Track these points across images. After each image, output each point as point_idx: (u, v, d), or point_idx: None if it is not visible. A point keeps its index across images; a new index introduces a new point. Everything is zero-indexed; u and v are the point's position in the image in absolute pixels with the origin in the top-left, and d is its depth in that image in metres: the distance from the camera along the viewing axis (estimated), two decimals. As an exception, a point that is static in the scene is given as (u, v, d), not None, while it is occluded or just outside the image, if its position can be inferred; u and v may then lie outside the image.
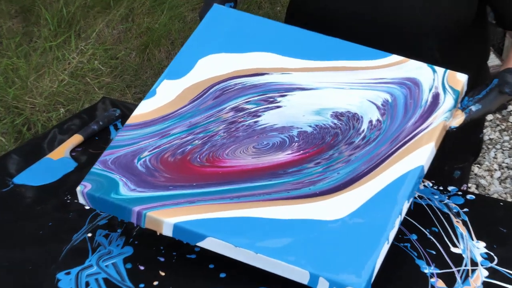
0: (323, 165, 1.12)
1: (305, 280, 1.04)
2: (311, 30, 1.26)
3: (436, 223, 1.22)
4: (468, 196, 1.27)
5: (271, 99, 1.20)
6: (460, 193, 1.28)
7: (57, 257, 1.16)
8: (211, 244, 1.07)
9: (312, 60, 1.22)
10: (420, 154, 1.11)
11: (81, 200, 1.14)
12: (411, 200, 1.10)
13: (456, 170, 1.49)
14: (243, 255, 1.06)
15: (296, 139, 1.15)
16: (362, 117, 1.16)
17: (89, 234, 1.20)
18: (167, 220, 1.08)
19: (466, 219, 1.23)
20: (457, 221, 1.22)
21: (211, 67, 1.23)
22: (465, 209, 1.25)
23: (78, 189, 1.13)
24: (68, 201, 1.28)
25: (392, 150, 1.12)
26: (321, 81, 1.20)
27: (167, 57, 2.50)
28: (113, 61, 2.42)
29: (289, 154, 1.14)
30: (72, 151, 1.41)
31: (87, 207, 1.25)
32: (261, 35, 1.26)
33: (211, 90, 1.21)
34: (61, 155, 1.39)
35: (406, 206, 1.09)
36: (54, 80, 2.28)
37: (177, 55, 1.26)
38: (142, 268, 1.14)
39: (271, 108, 1.19)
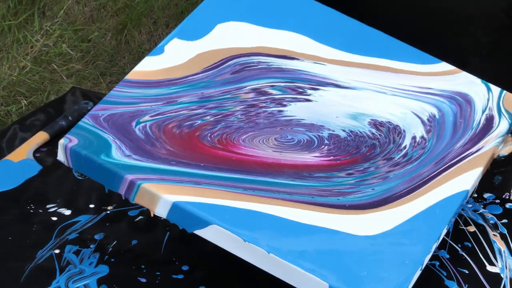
0: (356, 177, 1.14)
1: None
2: (335, 4, 1.27)
3: (470, 237, 1.23)
4: (508, 205, 1.28)
5: (300, 90, 1.22)
6: (498, 201, 1.29)
7: (19, 278, 1.16)
8: (213, 234, 1.06)
9: (351, 53, 1.26)
10: (467, 178, 1.15)
11: (60, 156, 1.13)
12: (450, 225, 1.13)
13: (497, 175, 1.49)
14: (252, 253, 1.05)
15: (326, 141, 1.17)
16: (404, 131, 1.19)
17: (57, 251, 1.21)
18: (165, 196, 1.07)
19: (505, 232, 1.23)
20: (494, 235, 1.23)
21: (232, 36, 1.25)
22: (504, 220, 1.25)
23: (61, 142, 1.12)
24: (32, 211, 1.28)
25: (436, 172, 1.15)
26: (360, 80, 1.23)
27: (148, 39, 2.50)
28: (85, 44, 2.42)
29: (316, 156, 1.16)
30: (36, 151, 1.41)
31: (54, 218, 1.25)
32: (292, 11, 1.28)
33: (229, 63, 1.23)
34: (22, 157, 1.39)
35: (444, 231, 1.11)
36: (14, 67, 2.29)
37: (192, 13, 1.27)
38: (119, 290, 1.15)
39: (300, 100, 1.21)
